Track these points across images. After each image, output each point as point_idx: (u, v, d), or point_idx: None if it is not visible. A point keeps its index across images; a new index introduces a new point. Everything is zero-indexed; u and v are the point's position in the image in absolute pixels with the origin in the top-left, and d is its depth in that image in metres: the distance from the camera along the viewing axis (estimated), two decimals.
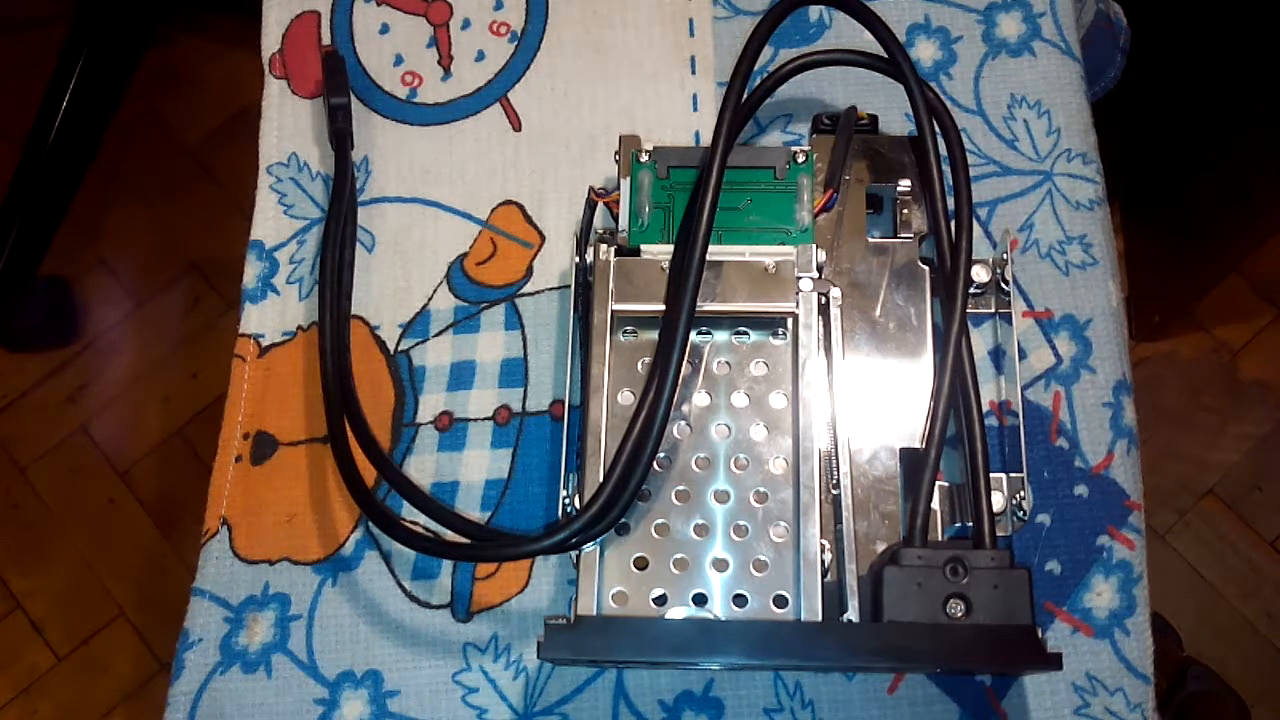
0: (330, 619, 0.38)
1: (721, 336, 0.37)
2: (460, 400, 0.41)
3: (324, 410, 0.39)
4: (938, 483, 0.36)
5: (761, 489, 0.35)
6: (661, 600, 0.34)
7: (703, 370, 0.36)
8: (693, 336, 0.36)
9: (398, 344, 0.42)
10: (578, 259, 0.38)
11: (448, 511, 0.38)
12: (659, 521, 0.35)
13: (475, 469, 0.40)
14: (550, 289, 0.42)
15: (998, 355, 0.40)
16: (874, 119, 0.40)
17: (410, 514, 0.39)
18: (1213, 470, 1.00)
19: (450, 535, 0.37)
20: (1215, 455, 1.00)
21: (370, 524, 0.39)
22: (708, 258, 0.35)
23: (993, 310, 0.40)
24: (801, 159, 0.38)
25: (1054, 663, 0.31)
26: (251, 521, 0.40)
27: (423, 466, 0.40)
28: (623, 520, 0.34)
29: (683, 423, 0.36)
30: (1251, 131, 0.86)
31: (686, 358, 0.35)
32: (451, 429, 0.40)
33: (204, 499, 0.40)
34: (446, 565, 0.39)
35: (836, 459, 0.35)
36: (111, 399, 1.14)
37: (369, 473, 0.39)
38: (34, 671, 1.06)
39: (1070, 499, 0.38)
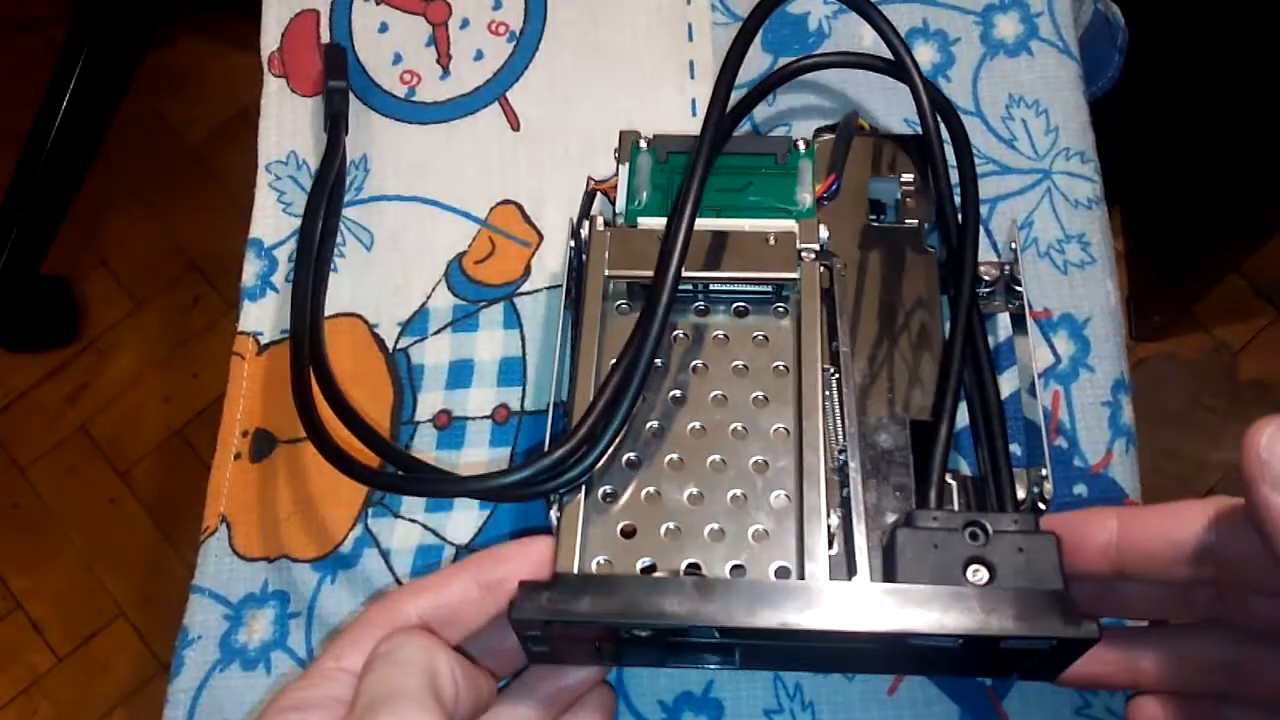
0: (329, 616, 0.38)
1: (722, 315, 0.36)
2: (459, 398, 0.41)
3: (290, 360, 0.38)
4: (949, 477, 0.34)
5: (761, 457, 0.33)
6: (650, 570, 0.32)
7: (704, 343, 0.35)
8: (692, 315, 0.36)
9: (396, 342, 0.42)
10: (572, 242, 0.37)
11: (402, 453, 0.36)
12: (649, 489, 0.32)
13: (474, 467, 0.40)
14: (549, 288, 0.42)
15: (999, 355, 0.40)
16: (875, 131, 0.40)
17: (409, 512, 0.39)
18: (1213, 470, 1.00)
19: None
20: (1215, 455, 1.00)
21: (369, 523, 0.39)
22: (709, 228, 0.34)
23: (1002, 309, 0.39)
24: (803, 147, 0.38)
25: (1091, 634, 0.27)
26: (250, 519, 0.40)
27: None
28: (610, 489, 0.32)
29: (678, 391, 0.34)
30: (1252, 131, 0.86)
31: (686, 332, 0.35)
32: (450, 427, 0.40)
33: (204, 498, 0.40)
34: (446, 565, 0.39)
35: (842, 426, 0.34)
36: (111, 399, 1.14)
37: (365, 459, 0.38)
38: (34, 671, 1.06)
39: (1069, 498, 0.38)
